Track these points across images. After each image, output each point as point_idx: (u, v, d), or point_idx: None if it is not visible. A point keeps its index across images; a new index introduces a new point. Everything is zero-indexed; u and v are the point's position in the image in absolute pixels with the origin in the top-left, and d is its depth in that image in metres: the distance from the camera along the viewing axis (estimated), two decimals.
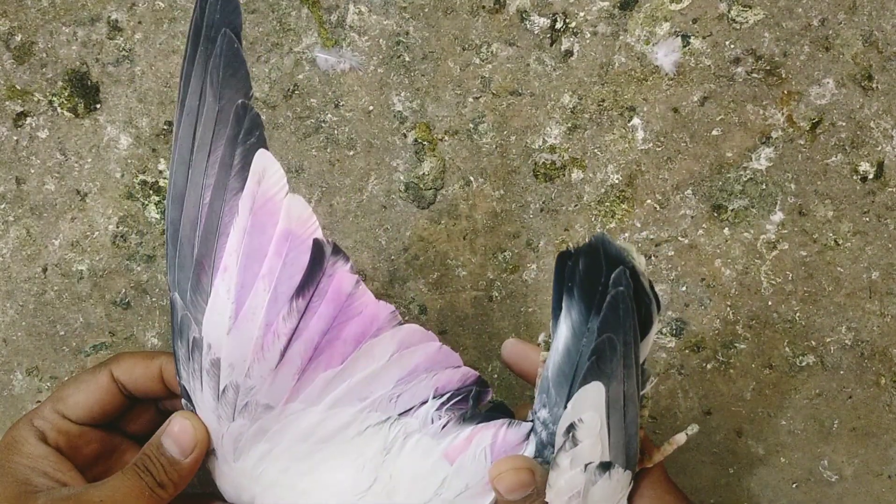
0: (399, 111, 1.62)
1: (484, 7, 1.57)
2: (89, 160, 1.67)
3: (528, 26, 1.58)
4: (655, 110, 1.59)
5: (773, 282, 1.63)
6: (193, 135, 1.03)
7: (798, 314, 1.64)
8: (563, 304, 1.01)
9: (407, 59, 1.60)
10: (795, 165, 1.58)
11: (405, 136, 1.63)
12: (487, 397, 1.24)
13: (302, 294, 1.04)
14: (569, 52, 1.58)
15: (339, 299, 1.12)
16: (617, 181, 1.62)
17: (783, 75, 1.55)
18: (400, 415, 1.15)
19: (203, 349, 1.04)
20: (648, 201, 1.62)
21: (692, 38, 1.55)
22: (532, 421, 1.09)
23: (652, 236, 1.63)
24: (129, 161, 1.66)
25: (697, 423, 1.69)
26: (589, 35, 1.57)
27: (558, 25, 1.57)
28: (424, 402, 1.16)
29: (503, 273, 1.67)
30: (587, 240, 0.94)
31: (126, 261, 1.71)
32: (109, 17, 1.62)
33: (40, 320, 1.74)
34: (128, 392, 1.28)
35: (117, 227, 1.69)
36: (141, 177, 1.66)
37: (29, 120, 1.66)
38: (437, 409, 1.15)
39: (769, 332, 1.65)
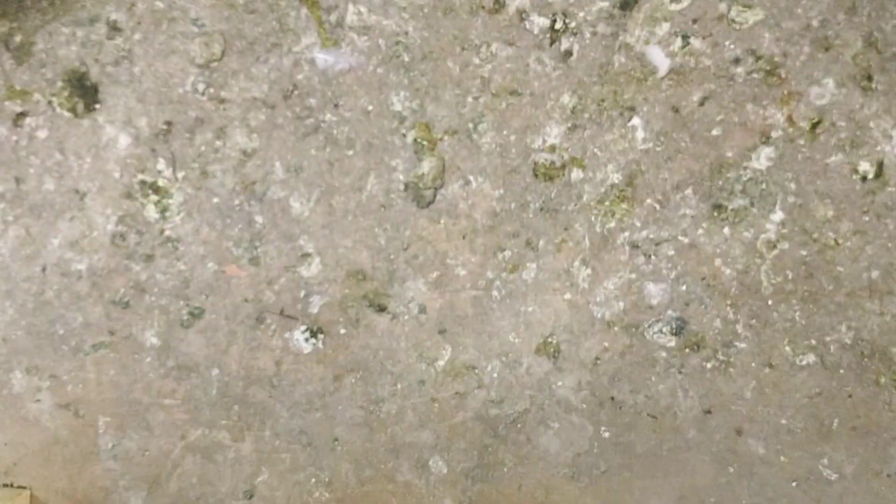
0: (398, 111, 1.62)
1: (483, 7, 1.57)
2: (88, 160, 1.67)
3: (528, 26, 1.57)
4: (655, 110, 1.59)
5: (774, 281, 1.63)
6: None
7: (798, 313, 1.64)
8: None
9: (406, 59, 1.60)
10: (795, 165, 1.58)
11: (404, 135, 1.63)
12: None
13: None
14: (568, 52, 1.58)
15: None
16: (617, 180, 1.62)
17: (783, 75, 1.55)
18: None
19: None
20: (648, 201, 1.62)
21: (692, 38, 1.55)
22: None
23: (652, 236, 1.63)
24: (128, 161, 1.65)
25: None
26: (589, 35, 1.57)
27: (558, 25, 1.57)
28: None
29: (503, 272, 1.67)
30: None
31: (125, 260, 1.71)
32: (108, 17, 1.62)
33: (39, 319, 1.74)
34: None
35: (116, 227, 1.69)
36: (140, 176, 1.66)
37: (28, 120, 1.66)
38: None
39: (769, 331, 1.65)
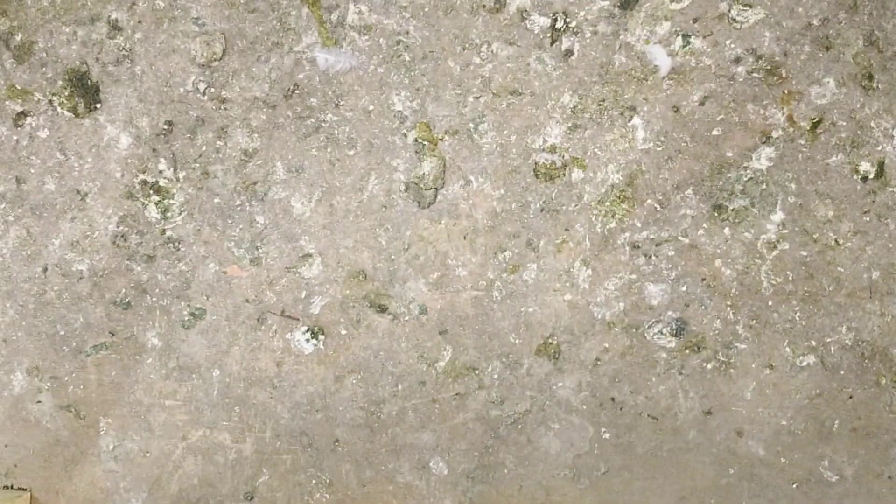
0: (399, 111, 1.62)
1: (484, 6, 1.57)
2: (89, 160, 1.67)
3: (529, 26, 1.58)
4: (656, 110, 1.59)
5: (774, 282, 1.63)
6: None
7: (798, 314, 1.64)
8: None
9: (407, 58, 1.60)
10: (796, 165, 1.58)
11: (405, 135, 1.63)
12: None
13: None
14: (569, 52, 1.58)
15: None
16: (617, 181, 1.62)
17: (784, 74, 1.55)
18: None
19: None
20: (649, 201, 1.62)
21: (693, 37, 1.55)
22: None
23: (652, 236, 1.63)
24: (130, 161, 1.66)
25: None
26: (589, 34, 1.57)
27: (559, 25, 1.57)
28: None
29: (503, 273, 1.67)
30: None
31: (126, 261, 1.71)
32: (109, 16, 1.62)
33: (40, 320, 1.75)
34: None
35: (117, 227, 1.69)
36: (141, 176, 1.66)
37: (29, 119, 1.67)
38: None
39: (769, 332, 1.65)
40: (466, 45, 1.59)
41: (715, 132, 1.58)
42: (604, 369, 1.71)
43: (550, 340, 1.71)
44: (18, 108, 1.66)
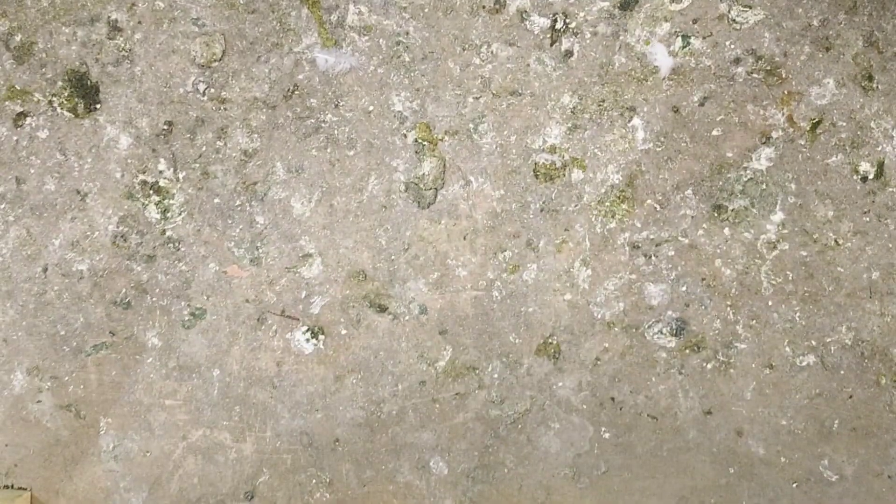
0: (399, 111, 1.62)
1: (484, 7, 1.57)
2: (89, 160, 1.67)
3: (529, 26, 1.58)
4: (655, 110, 1.59)
5: (774, 282, 1.63)
6: None
7: (798, 314, 1.64)
8: None
9: (407, 59, 1.60)
10: (796, 165, 1.58)
11: (405, 136, 1.63)
12: None
13: None
14: (569, 53, 1.58)
15: None
16: (617, 181, 1.62)
17: (783, 75, 1.55)
18: None
19: None
20: (649, 201, 1.62)
21: (692, 38, 1.55)
22: None
23: (652, 236, 1.63)
24: (129, 161, 1.66)
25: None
26: (589, 35, 1.57)
27: (558, 25, 1.57)
28: None
29: (503, 273, 1.67)
30: None
31: (126, 261, 1.71)
32: (109, 17, 1.62)
33: (41, 320, 1.75)
34: None
35: (117, 227, 1.69)
36: (141, 177, 1.66)
37: (29, 120, 1.66)
38: None
39: (769, 331, 1.65)
40: (466, 46, 1.59)
41: (715, 132, 1.58)
42: (604, 369, 1.71)
43: (550, 340, 1.71)
44: (18, 109, 1.66)
